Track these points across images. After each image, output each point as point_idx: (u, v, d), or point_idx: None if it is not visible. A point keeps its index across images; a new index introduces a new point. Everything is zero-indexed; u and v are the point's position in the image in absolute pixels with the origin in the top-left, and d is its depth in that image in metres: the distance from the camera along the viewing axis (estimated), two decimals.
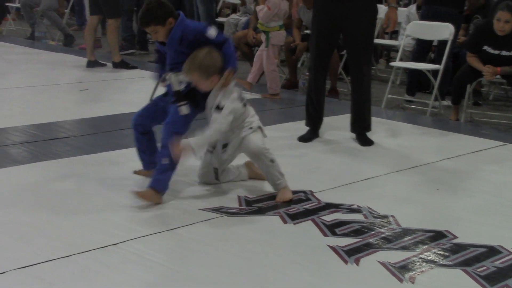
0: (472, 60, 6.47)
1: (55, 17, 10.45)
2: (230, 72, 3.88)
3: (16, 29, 11.71)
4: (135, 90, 7.11)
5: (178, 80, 3.97)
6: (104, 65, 8.47)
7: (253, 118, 4.06)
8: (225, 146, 4.07)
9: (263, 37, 7.03)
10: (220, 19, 9.82)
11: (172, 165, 3.91)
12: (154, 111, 4.13)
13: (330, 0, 5.21)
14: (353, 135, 5.50)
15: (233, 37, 8.80)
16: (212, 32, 3.91)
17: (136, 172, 4.33)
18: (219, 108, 3.87)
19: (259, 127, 4.06)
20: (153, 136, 4.23)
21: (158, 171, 3.91)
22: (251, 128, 3.99)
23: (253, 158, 4.07)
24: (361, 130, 5.46)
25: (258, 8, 6.95)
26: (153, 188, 3.86)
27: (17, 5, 11.36)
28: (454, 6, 7.23)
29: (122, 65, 8.34)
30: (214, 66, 3.84)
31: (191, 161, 4.05)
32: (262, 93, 7.17)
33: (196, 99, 3.99)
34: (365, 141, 5.40)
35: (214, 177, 4.20)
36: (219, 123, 3.83)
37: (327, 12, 5.25)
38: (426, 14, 7.39)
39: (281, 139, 5.41)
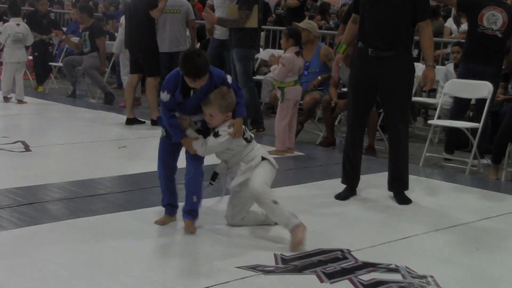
0: None
1: (97, 75, 10.67)
2: (240, 120, 4.24)
3: (58, 87, 11.96)
4: None
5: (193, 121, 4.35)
6: (143, 122, 8.58)
7: (258, 152, 4.30)
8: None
9: (278, 93, 7.06)
10: (257, 77, 9.90)
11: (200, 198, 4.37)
12: (171, 152, 4.45)
13: (367, 59, 5.24)
14: (391, 193, 5.46)
15: (270, 95, 8.87)
16: (229, 79, 4.30)
17: (158, 222, 4.49)
18: (216, 134, 4.20)
19: (265, 158, 4.27)
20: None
21: (191, 205, 4.31)
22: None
23: (255, 200, 4.25)
24: (398, 189, 5.41)
25: (272, 68, 7.00)
26: (193, 220, 4.35)
27: (60, 64, 11.62)
28: (492, 65, 7.22)
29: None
30: (232, 104, 4.24)
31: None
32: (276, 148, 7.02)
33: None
34: (403, 200, 5.35)
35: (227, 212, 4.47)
36: (210, 142, 4.22)
37: (364, 71, 5.28)
38: (464, 72, 7.38)
39: (318, 197, 5.39)
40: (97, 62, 10.72)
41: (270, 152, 6.84)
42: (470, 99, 7.57)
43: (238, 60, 8.15)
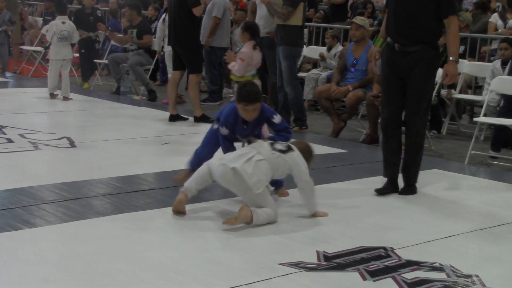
0: None
1: (141, 72, 10.75)
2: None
3: (102, 84, 12.08)
4: None
5: None
6: (186, 119, 8.61)
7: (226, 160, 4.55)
8: None
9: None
10: (301, 74, 9.88)
11: None
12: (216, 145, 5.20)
13: (394, 53, 5.25)
14: (435, 190, 5.39)
15: (314, 92, 8.86)
16: (277, 119, 4.91)
17: (177, 178, 5.20)
18: None
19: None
20: None
21: None
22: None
23: None
24: (406, 181, 5.40)
25: (230, 65, 6.96)
26: None
27: (105, 61, 11.74)
28: None
29: (203, 119, 8.45)
30: None
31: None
32: None
33: None
34: (404, 191, 5.36)
35: None
36: None
37: (392, 64, 5.30)
38: None
39: (360, 194, 5.35)
40: (142, 59, 10.81)
41: None
42: None
43: (284, 58, 8.15)
